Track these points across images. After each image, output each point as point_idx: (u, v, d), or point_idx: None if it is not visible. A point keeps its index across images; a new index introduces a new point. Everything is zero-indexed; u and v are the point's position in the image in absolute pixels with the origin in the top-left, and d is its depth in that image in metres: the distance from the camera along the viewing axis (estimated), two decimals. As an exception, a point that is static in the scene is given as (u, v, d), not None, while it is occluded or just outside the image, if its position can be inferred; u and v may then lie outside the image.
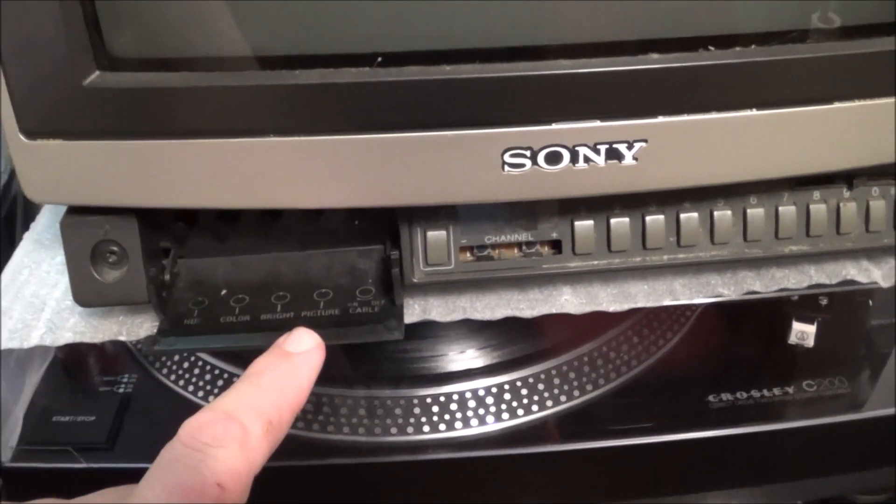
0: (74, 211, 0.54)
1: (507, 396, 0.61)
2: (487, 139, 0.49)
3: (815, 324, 0.65)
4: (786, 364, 0.65)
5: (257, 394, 0.43)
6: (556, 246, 0.57)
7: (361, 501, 0.60)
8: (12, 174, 0.78)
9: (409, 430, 0.59)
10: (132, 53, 0.47)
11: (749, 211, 0.57)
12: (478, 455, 0.59)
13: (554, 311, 0.58)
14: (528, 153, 0.49)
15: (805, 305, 0.66)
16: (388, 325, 0.54)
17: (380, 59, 0.47)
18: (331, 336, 0.49)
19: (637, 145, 0.50)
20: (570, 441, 0.59)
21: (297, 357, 0.46)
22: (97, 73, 0.47)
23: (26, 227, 0.69)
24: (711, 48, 0.48)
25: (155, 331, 0.57)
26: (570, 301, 0.58)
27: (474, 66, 0.47)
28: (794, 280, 0.60)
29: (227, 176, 0.50)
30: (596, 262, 0.56)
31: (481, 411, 0.60)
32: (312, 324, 0.51)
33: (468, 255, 0.56)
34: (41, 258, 0.65)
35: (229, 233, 0.57)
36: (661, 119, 0.49)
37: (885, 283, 0.60)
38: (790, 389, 0.62)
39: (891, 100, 0.51)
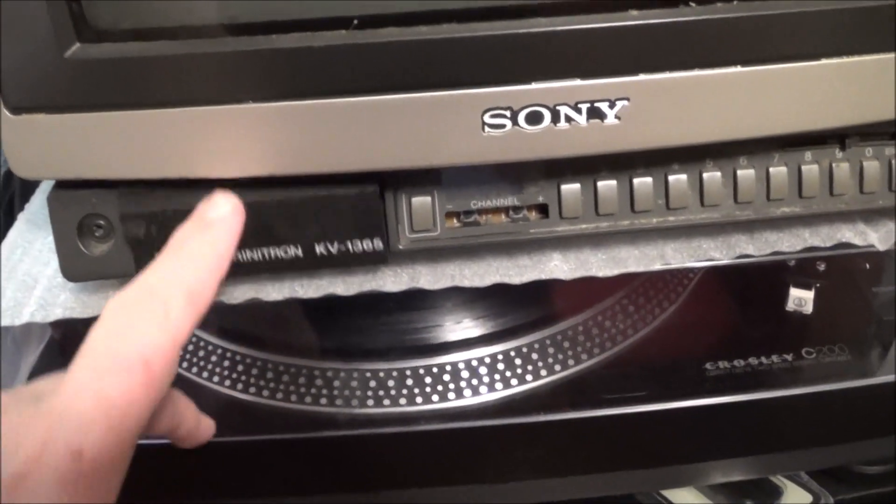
0: (62, 186, 0.55)
1: (500, 366, 0.61)
2: (467, 100, 0.49)
3: (814, 290, 0.64)
4: (784, 331, 0.64)
5: (179, 264, 0.44)
6: (543, 210, 0.56)
7: (355, 473, 0.60)
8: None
9: (402, 401, 0.59)
10: (112, 24, 0.47)
11: (739, 172, 0.56)
12: (471, 425, 0.58)
13: (543, 276, 0.57)
14: (508, 113, 0.49)
15: (803, 271, 0.65)
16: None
17: (356, 21, 0.47)
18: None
19: (619, 104, 0.49)
20: (564, 411, 0.59)
21: (217, 223, 0.46)
22: (78, 45, 0.47)
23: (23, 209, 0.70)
24: (692, 4, 0.48)
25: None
26: (559, 267, 0.58)
27: (451, 27, 0.47)
28: (787, 243, 0.60)
29: (208, 144, 0.50)
30: (584, 226, 0.56)
31: (475, 381, 0.60)
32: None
33: (454, 220, 0.56)
34: (34, 237, 0.65)
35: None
36: (642, 77, 0.49)
37: (881, 246, 0.59)
38: (789, 357, 0.61)
39: (880, 56, 0.51)
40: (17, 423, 0.38)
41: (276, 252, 0.55)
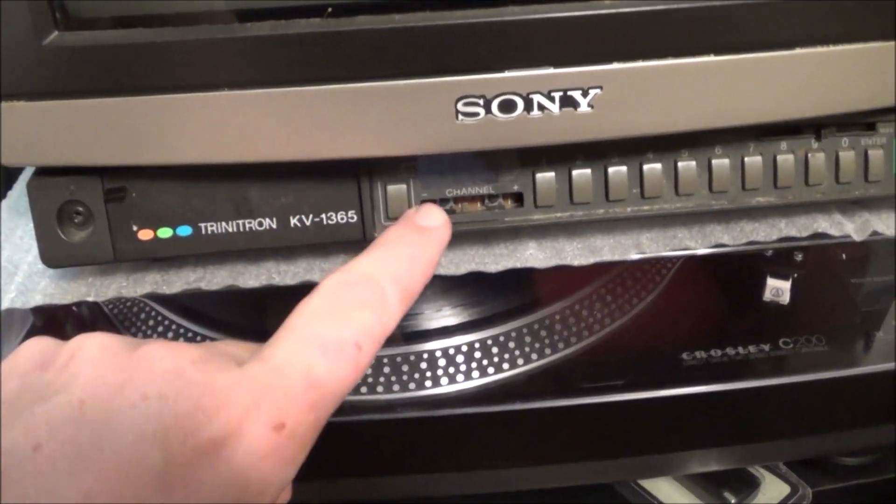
0: (41, 173, 0.55)
1: (477, 355, 0.61)
2: (440, 88, 0.49)
3: (791, 280, 0.64)
4: (761, 321, 0.64)
5: (395, 261, 0.44)
6: (518, 199, 0.56)
7: (331, 461, 0.60)
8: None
9: (379, 388, 0.59)
10: (90, 12, 0.48)
11: (714, 161, 0.56)
12: (447, 413, 0.58)
13: (518, 265, 0.58)
14: (481, 101, 0.49)
15: (780, 261, 0.65)
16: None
17: (330, 9, 0.47)
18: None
19: (592, 92, 0.49)
20: (541, 399, 0.59)
21: (430, 231, 0.47)
22: (56, 32, 0.47)
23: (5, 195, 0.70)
24: None
25: (123, 291, 0.58)
26: (534, 255, 0.58)
27: (423, 14, 0.47)
28: (763, 233, 0.60)
29: (183, 131, 0.50)
30: (559, 215, 0.56)
31: (451, 370, 0.60)
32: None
33: (430, 209, 0.56)
34: (16, 225, 0.65)
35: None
36: (615, 65, 0.49)
37: (857, 237, 0.59)
38: (766, 347, 0.62)
39: (856, 46, 0.51)
40: (221, 385, 0.37)
41: (251, 225, 0.56)
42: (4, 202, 0.69)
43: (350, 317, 0.41)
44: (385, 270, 0.44)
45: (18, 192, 0.69)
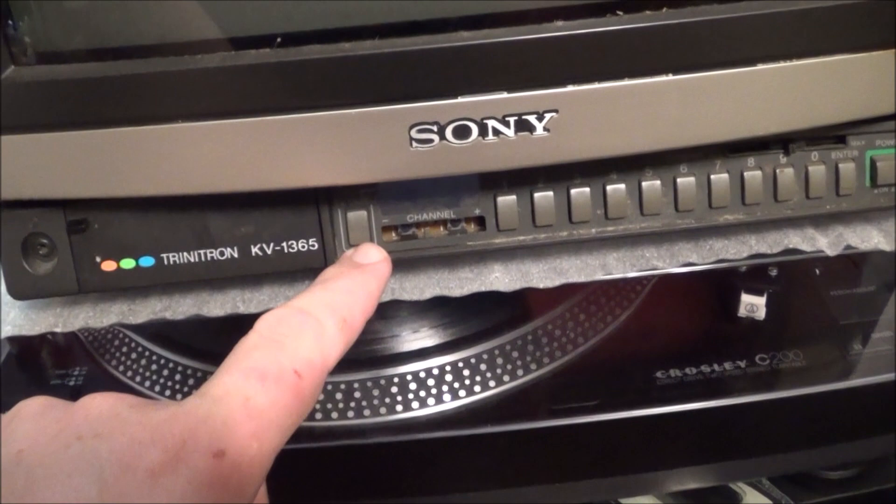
0: (5, 205, 0.54)
1: (448, 378, 0.60)
2: (392, 115, 0.48)
3: (765, 295, 0.63)
4: (736, 338, 0.63)
5: (331, 295, 0.45)
6: (480, 222, 0.56)
7: (302, 487, 0.60)
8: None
9: (350, 413, 0.59)
10: (45, 47, 0.48)
11: (679, 180, 0.55)
12: (419, 438, 0.58)
13: (483, 289, 0.57)
14: (435, 128, 0.48)
15: (754, 277, 0.64)
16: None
17: (279, 39, 0.47)
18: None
19: (547, 116, 0.48)
20: (513, 422, 0.58)
21: (367, 267, 0.48)
22: (12, 67, 0.47)
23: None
24: (620, 13, 0.47)
25: (90, 322, 0.57)
26: (500, 279, 0.57)
27: (373, 42, 0.47)
28: (733, 251, 0.58)
29: (142, 163, 0.50)
30: (522, 238, 0.55)
31: (422, 394, 0.60)
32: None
33: (392, 234, 0.56)
34: (-12, 253, 0.65)
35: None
36: (570, 88, 0.48)
37: (831, 252, 0.58)
38: (742, 363, 0.61)
39: (820, 59, 0.50)
40: (157, 419, 0.37)
41: (213, 254, 0.55)
42: (-22, 230, 0.68)
43: (287, 346, 0.41)
44: (321, 303, 0.44)
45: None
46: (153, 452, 0.35)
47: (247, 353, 0.41)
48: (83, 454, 0.35)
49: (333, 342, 0.43)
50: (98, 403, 0.38)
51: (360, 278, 0.47)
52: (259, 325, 0.42)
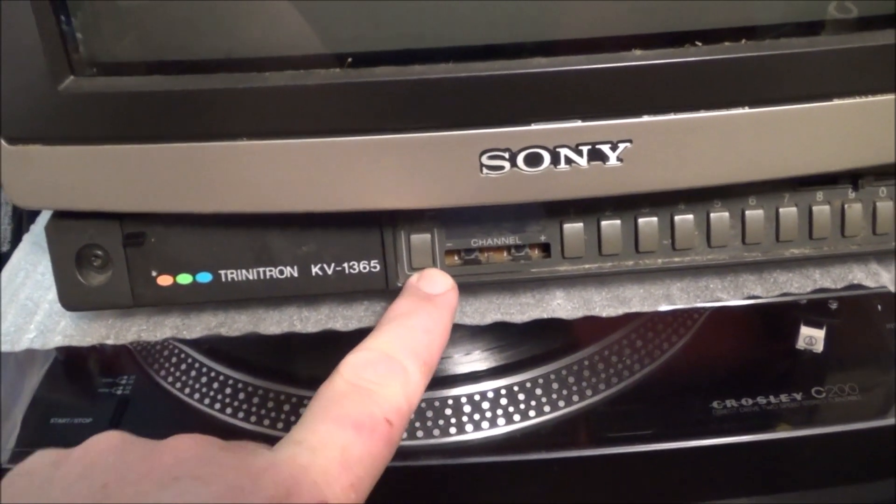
0: (60, 215, 0.54)
1: (504, 402, 0.59)
2: (464, 141, 0.47)
3: (825, 328, 0.62)
4: (794, 370, 0.62)
5: (411, 335, 0.46)
6: (545, 249, 0.54)
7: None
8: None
9: (403, 436, 0.57)
10: (105, 58, 0.47)
11: (748, 212, 0.54)
12: (472, 461, 0.57)
13: (545, 316, 0.56)
14: (506, 155, 0.47)
15: (814, 309, 0.63)
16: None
17: (350, 59, 0.46)
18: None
19: (621, 146, 0.47)
20: (567, 448, 0.57)
21: (439, 299, 0.49)
22: (72, 78, 0.46)
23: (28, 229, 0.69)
24: (699, 44, 0.46)
25: (143, 335, 0.56)
26: (562, 306, 0.56)
27: (447, 66, 0.46)
28: (797, 284, 0.57)
29: (203, 180, 0.49)
30: (587, 266, 0.54)
31: (477, 416, 0.58)
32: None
33: (455, 258, 0.54)
34: (38, 260, 0.64)
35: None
36: (645, 118, 0.47)
37: (894, 288, 0.57)
38: (798, 396, 0.59)
39: (893, 96, 0.48)
40: (257, 467, 0.37)
41: (272, 273, 0.54)
42: (27, 236, 0.68)
43: (377, 394, 0.41)
44: (403, 346, 0.44)
45: (40, 227, 0.67)
46: (257, 501, 0.35)
47: (338, 400, 0.41)
48: (183, 495, 0.34)
49: (417, 387, 0.43)
50: (188, 445, 0.37)
51: (435, 314, 0.47)
52: (344, 369, 0.43)
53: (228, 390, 0.61)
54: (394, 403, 0.42)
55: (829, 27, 0.47)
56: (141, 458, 0.37)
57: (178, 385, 0.62)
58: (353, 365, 0.43)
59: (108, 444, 0.38)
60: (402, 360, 0.44)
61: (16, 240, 0.75)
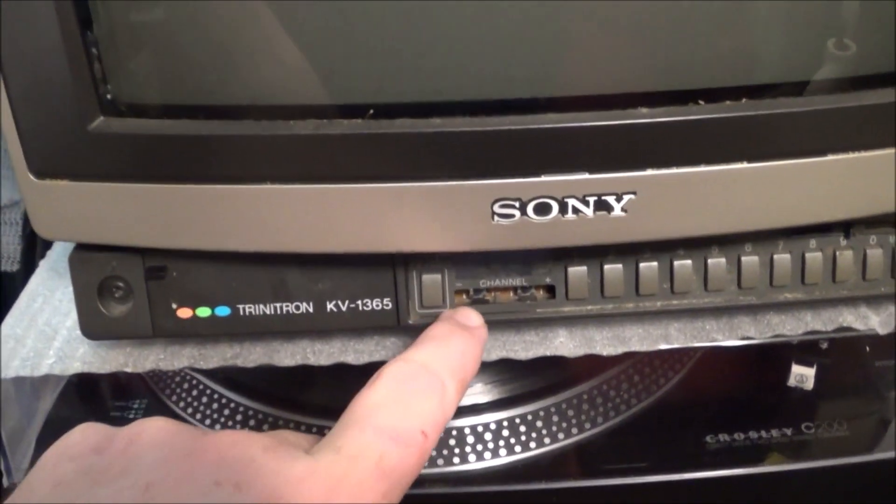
0: (83, 247, 0.56)
1: (505, 433, 0.62)
2: (477, 190, 0.50)
3: (815, 367, 0.65)
4: (785, 406, 0.65)
5: (450, 354, 0.47)
6: (550, 290, 0.58)
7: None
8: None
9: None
10: (134, 101, 0.49)
11: (743, 259, 0.57)
12: (474, 491, 0.60)
13: (548, 353, 0.59)
14: (517, 204, 0.50)
15: (805, 348, 0.66)
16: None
17: (372, 111, 0.48)
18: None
19: (626, 197, 0.50)
20: (566, 479, 0.60)
21: (475, 330, 0.50)
22: (101, 118, 0.49)
23: (45, 251, 0.72)
24: (701, 102, 0.49)
25: (160, 364, 0.59)
26: (564, 344, 0.59)
27: (463, 119, 0.48)
28: (789, 326, 0.61)
29: (225, 220, 0.52)
30: (589, 308, 0.57)
31: (479, 447, 0.61)
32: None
33: (464, 297, 0.58)
34: (55, 286, 0.67)
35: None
36: (649, 172, 0.50)
37: (882, 331, 0.60)
38: (788, 431, 0.63)
39: (887, 151, 0.51)
40: (297, 474, 0.38)
41: (289, 308, 0.57)
42: (44, 262, 0.70)
43: (416, 406, 0.43)
44: (443, 363, 0.46)
45: (59, 252, 0.70)
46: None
47: (377, 409, 0.42)
48: (224, 501, 0.36)
49: (452, 402, 0.45)
50: (231, 444, 0.39)
51: (471, 341, 0.49)
52: (385, 378, 0.44)
53: (239, 417, 0.64)
54: (431, 417, 0.43)
55: (823, 87, 0.50)
56: (184, 455, 0.38)
57: (190, 410, 0.65)
58: (392, 374, 0.44)
59: (153, 436, 0.39)
60: (440, 375, 0.45)
61: (26, 260, 0.78)
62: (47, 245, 0.73)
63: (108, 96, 0.49)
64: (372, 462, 0.40)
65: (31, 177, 0.51)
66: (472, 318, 0.51)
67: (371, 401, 0.43)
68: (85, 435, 0.40)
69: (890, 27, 0.49)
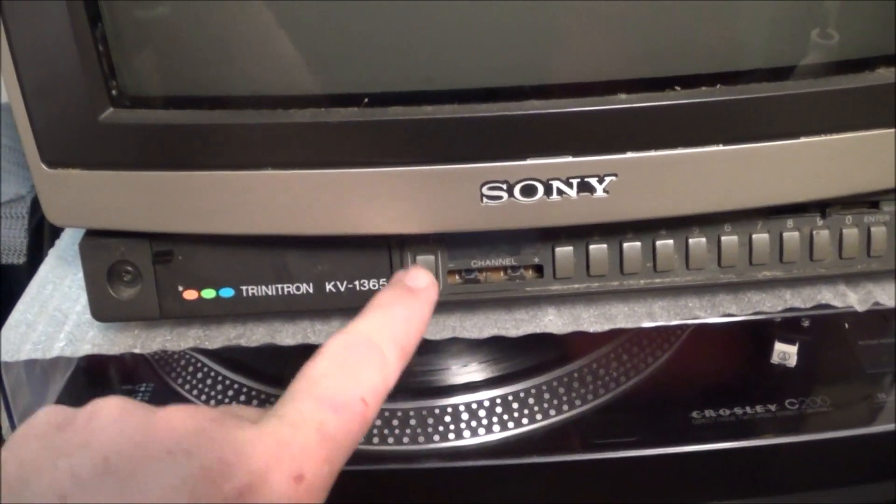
0: (93, 233, 0.61)
1: (499, 410, 0.66)
2: (466, 174, 0.54)
3: (797, 344, 0.70)
4: (769, 383, 0.70)
5: (391, 322, 0.49)
6: (538, 270, 0.62)
7: (361, 507, 0.66)
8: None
9: (405, 440, 0.65)
10: (142, 93, 0.54)
11: (723, 238, 0.61)
12: (468, 465, 0.65)
13: (538, 331, 0.63)
14: (504, 186, 0.55)
15: (787, 327, 0.70)
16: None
17: (366, 100, 0.53)
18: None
19: (607, 179, 0.55)
20: (557, 454, 0.65)
21: (420, 292, 0.52)
22: (111, 109, 0.53)
23: (52, 242, 0.77)
24: (678, 88, 0.53)
25: (167, 345, 0.64)
26: (553, 322, 0.64)
27: (453, 107, 0.53)
28: (769, 304, 0.65)
29: (228, 204, 0.56)
30: (576, 286, 0.62)
31: (474, 423, 0.66)
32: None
33: (456, 277, 0.62)
34: (64, 274, 0.72)
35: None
36: (629, 154, 0.54)
37: (860, 308, 0.64)
38: (772, 407, 0.67)
39: (859, 134, 0.56)
40: (242, 440, 0.40)
41: (290, 289, 0.62)
42: (52, 251, 0.75)
43: (356, 375, 0.45)
44: (384, 332, 0.48)
45: (67, 241, 0.75)
46: (240, 473, 0.39)
47: (318, 380, 0.45)
48: (175, 470, 0.38)
49: (393, 370, 0.47)
50: (182, 417, 0.41)
51: (415, 305, 0.51)
52: (326, 351, 0.47)
53: (243, 398, 0.69)
54: (371, 385, 0.45)
55: (794, 73, 0.54)
56: (138, 429, 0.40)
57: (195, 392, 0.70)
58: (334, 347, 0.47)
59: (109, 413, 0.41)
60: (381, 345, 0.47)
61: (32, 254, 0.83)
62: (53, 238, 0.78)
63: (117, 89, 0.53)
64: (313, 429, 0.42)
65: (44, 167, 0.55)
66: (420, 279, 0.53)
67: (312, 373, 0.45)
68: (48, 416, 0.42)
69: (867, 14, 0.54)
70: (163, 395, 0.71)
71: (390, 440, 0.65)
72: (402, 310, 0.50)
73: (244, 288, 0.62)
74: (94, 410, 0.42)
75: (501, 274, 0.63)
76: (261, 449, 0.41)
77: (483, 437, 0.66)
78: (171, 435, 0.40)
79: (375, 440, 0.65)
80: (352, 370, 0.46)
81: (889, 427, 0.67)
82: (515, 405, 0.67)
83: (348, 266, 0.61)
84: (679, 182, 0.56)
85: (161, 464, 0.38)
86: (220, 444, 0.40)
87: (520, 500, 0.67)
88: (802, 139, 0.56)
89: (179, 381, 0.71)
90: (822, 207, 0.63)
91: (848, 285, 0.66)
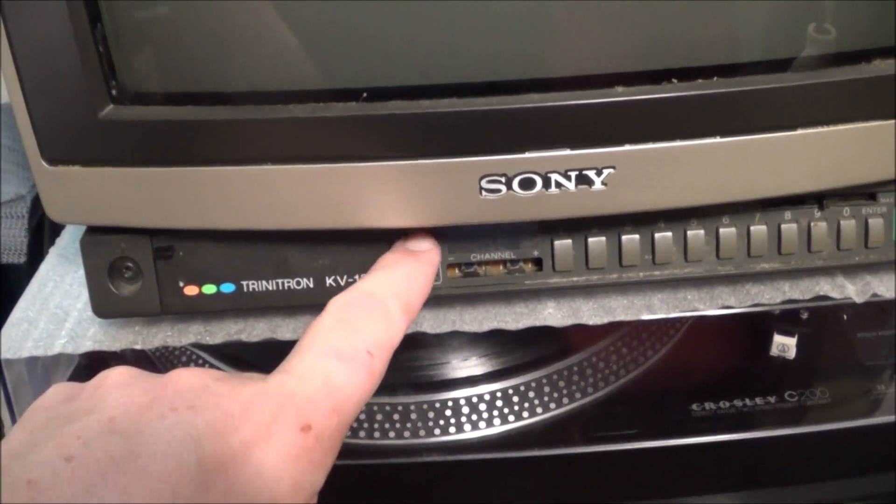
0: (93, 230, 0.62)
1: (499, 403, 0.68)
2: (465, 167, 0.55)
3: (796, 337, 0.71)
4: (768, 375, 0.71)
5: (393, 280, 0.52)
6: (537, 263, 0.63)
7: (362, 500, 0.67)
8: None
9: (406, 433, 0.66)
10: (143, 88, 0.54)
11: (721, 230, 0.62)
12: (469, 458, 0.66)
13: (537, 324, 0.64)
14: (503, 180, 0.55)
15: (787, 319, 0.72)
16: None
17: (365, 94, 0.54)
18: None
19: (605, 172, 0.55)
20: (557, 446, 0.66)
21: (422, 254, 0.55)
22: (111, 106, 0.54)
23: (52, 241, 0.78)
24: (675, 80, 0.54)
25: (168, 340, 0.65)
26: (552, 315, 0.65)
27: (451, 101, 0.54)
28: (768, 296, 0.66)
29: (229, 200, 0.57)
30: (575, 279, 0.63)
31: (474, 417, 0.67)
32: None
33: (456, 271, 0.63)
34: (65, 271, 0.73)
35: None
36: (627, 147, 0.55)
37: (858, 299, 0.65)
38: (772, 399, 0.68)
39: (855, 125, 0.57)
40: (247, 395, 0.42)
41: (290, 284, 0.62)
42: (53, 249, 0.76)
43: (359, 328, 0.48)
44: (386, 287, 0.51)
45: (67, 239, 0.76)
46: (246, 425, 0.41)
47: (323, 334, 0.47)
48: (180, 425, 0.40)
49: (398, 324, 0.49)
50: (186, 377, 0.43)
51: (417, 266, 0.53)
52: (331, 307, 0.49)
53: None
54: (375, 336, 0.47)
55: (791, 65, 0.55)
56: (143, 391, 0.42)
57: (196, 388, 0.71)
58: (338, 303, 0.49)
59: (116, 380, 0.43)
60: (383, 299, 0.50)
61: (32, 253, 0.84)
62: (53, 237, 0.79)
63: (117, 86, 0.54)
64: (319, 380, 0.44)
65: (45, 164, 0.56)
66: (422, 243, 0.56)
67: (317, 329, 0.47)
68: (57, 390, 0.44)
69: (864, 9, 0.55)
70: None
71: (391, 434, 0.66)
72: (405, 268, 0.53)
73: (245, 283, 0.62)
74: (100, 379, 0.44)
75: (501, 267, 0.63)
76: (266, 401, 0.42)
77: (483, 431, 0.67)
78: (175, 393, 0.42)
79: (376, 434, 0.66)
80: (355, 323, 0.48)
81: (888, 418, 0.68)
82: (515, 399, 0.68)
83: (348, 260, 0.62)
84: (677, 174, 0.57)
85: (166, 420, 0.40)
86: (225, 399, 0.42)
87: (520, 493, 0.68)
88: (800, 131, 0.56)
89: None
90: (819, 199, 0.63)
91: (846, 277, 0.67)
